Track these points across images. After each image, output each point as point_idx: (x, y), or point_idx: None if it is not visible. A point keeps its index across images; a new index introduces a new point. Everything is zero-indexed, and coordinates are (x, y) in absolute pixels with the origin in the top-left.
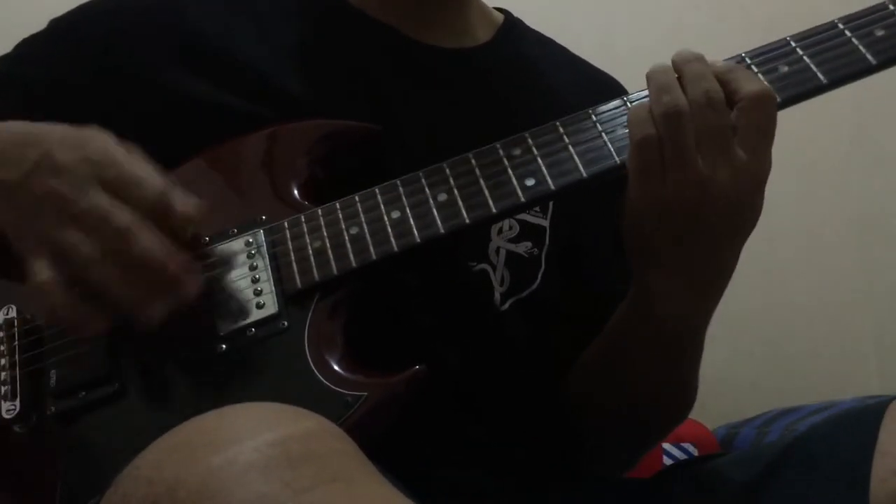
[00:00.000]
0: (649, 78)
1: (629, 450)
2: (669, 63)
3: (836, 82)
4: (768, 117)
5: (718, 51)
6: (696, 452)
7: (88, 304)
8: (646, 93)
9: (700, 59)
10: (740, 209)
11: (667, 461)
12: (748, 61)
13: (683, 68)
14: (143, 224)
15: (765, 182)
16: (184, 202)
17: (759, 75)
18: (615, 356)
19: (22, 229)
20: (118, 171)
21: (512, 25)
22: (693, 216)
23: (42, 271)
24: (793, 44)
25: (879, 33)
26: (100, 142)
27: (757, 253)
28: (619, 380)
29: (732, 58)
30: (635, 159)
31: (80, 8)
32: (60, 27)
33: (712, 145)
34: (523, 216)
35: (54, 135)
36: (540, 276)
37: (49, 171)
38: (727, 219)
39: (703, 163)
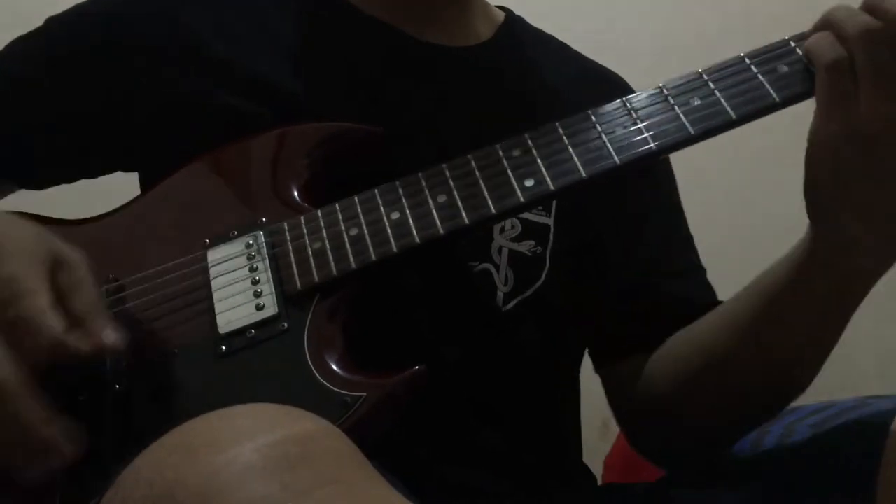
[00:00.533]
0: (832, 12)
1: (742, 423)
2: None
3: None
4: None
5: (719, 51)
6: None
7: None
8: (646, 92)
9: (843, 6)
10: None
11: None
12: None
13: (831, 14)
14: (20, 382)
15: None
16: (100, 335)
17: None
18: (763, 325)
19: None
20: (15, 311)
21: (513, 23)
22: (893, 137)
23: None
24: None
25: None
26: (13, 264)
27: (756, 253)
28: (762, 350)
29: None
30: (826, 86)
31: (78, 7)
32: (57, 25)
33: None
34: (525, 215)
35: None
36: (545, 274)
37: None
38: None
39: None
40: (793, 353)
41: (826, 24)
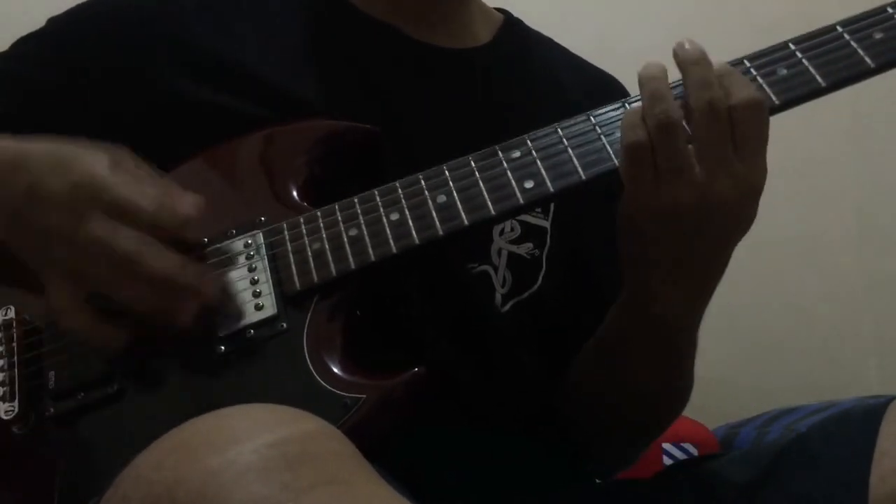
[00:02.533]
0: (642, 83)
1: (627, 446)
2: (661, 64)
3: (834, 85)
4: (761, 125)
5: (719, 51)
6: (696, 452)
7: (108, 320)
8: None
9: (704, 60)
10: (737, 216)
11: (667, 461)
12: (747, 64)
13: (688, 70)
14: (145, 243)
15: (762, 189)
16: (181, 205)
17: (759, 78)
18: (612, 353)
19: (31, 256)
20: (109, 195)
21: (512, 26)
22: (687, 222)
23: (56, 296)
24: (792, 47)
25: (878, 36)
26: (85, 164)
27: (757, 253)
28: (616, 376)
29: (733, 61)
30: (627, 164)
31: (79, 7)
32: (59, 26)
33: (712, 154)
34: (524, 217)
35: (38, 158)
36: (541, 277)
37: (42, 204)
38: (722, 225)
39: (700, 172)
40: (638, 377)
41: (643, 96)
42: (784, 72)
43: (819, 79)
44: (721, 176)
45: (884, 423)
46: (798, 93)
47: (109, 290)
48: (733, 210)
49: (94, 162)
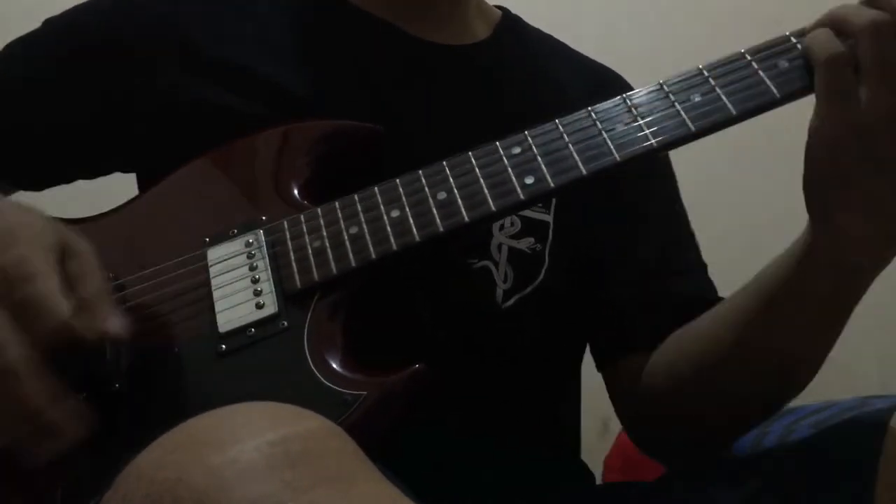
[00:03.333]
0: (835, 9)
1: (745, 420)
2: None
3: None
4: None
5: (718, 51)
6: None
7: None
8: (646, 89)
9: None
10: None
11: None
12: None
13: (836, 13)
14: (28, 363)
15: None
16: (104, 322)
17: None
18: (765, 322)
19: None
20: (23, 292)
21: (511, 22)
22: (890, 142)
23: None
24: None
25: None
26: (24, 247)
27: (756, 253)
28: (764, 346)
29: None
30: (826, 80)
31: (76, 8)
32: (55, 27)
33: None
34: (525, 212)
35: None
36: (543, 271)
37: None
38: None
39: None
40: (793, 351)
41: (828, 20)
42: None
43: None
44: None
45: (888, 432)
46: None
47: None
48: None
49: (39, 245)
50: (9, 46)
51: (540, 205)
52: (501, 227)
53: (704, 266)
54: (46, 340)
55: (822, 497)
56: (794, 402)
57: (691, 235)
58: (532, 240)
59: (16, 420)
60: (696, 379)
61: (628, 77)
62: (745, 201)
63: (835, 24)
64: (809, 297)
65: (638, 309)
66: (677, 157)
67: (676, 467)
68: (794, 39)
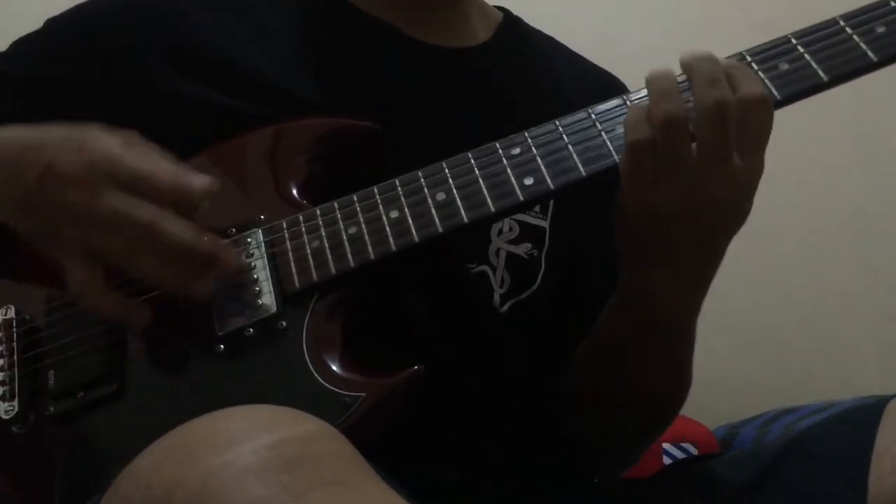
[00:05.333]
0: (650, 82)
1: (628, 447)
2: (669, 68)
3: (837, 79)
4: (766, 122)
5: (719, 50)
6: (696, 452)
7: (128, 300)
8: (646, 92)
9: (712, 59)
10: (734, 212)
11: (667, 461)
12: (748, 59)
13: (694, 67)
14: (163, 214)
15: (757, 185)
16: (196, 179)
17: (761, 73)
18: (609, 353)
19: (48, 238)
20: (125, 169)
21: (512, 24)
22: (685, 219)
23: (77, 275)
24: (794, 41)
25: (880, 30)
26: (100, 142)
27: (757, 252)
28: (614, 376)
29: (733, 56)
30: (628, 161)
31: (78, 8)
32: (57, 27)
33: (713, 153)
34: (523, 217)
35: (53, 140)
36: (540, 277)
37: (57, 184)
38: (719, 221)
39: (700, 171)
40: (637, 374)
41: (651, 92)
42: (786, 66)
43: (821, 73)
44: (720, 175)
45: (882, 421)
46: (800, 87)
47: (126, 262)
48: (730, 207)
49: (109, 141)
50: (12, 46)
51: (537, 210)
52: (500, 233)
53: None
54: (161, 203)
55: (822, 496)
56: (794, 402)
57: None
58: (529, 245)
59: (173, 264)
60: (583, 398)
61: (627, 77)
62: None
63: (648, 105)
64: (633, 331)
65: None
66: None
67: (673, 464)
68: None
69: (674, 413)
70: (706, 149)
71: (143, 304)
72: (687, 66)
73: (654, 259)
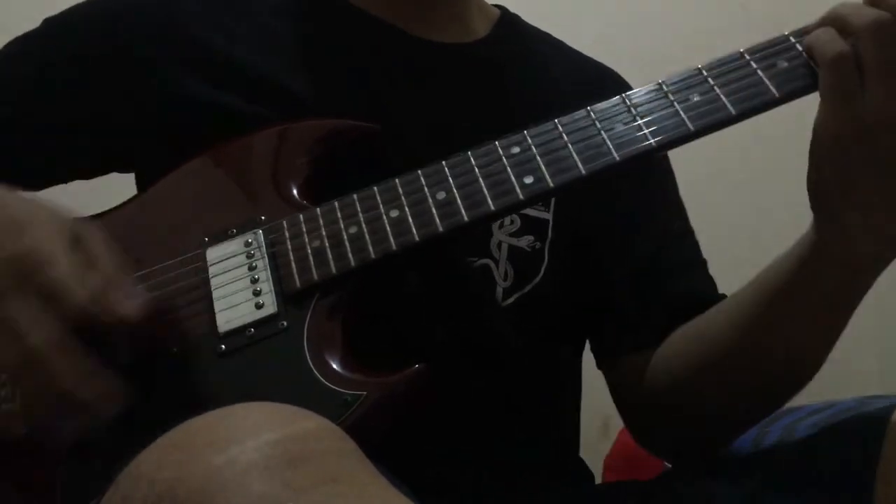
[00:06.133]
0: (837, 7)
1: (747, 418)
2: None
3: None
4: None
5: (718, 50)
6: None
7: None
8: (645, 89)
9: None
10: None
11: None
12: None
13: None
14: (57, 343)
15: None
16: (121, 305)
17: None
18: (769, 320)
19: None
20: (45, 276)
21: (509, 20)
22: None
23: None
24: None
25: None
26: (39, 233)
27: (756, 252)
28: (768, 344)
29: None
30: (831, 80)
31: (76, 7)
32: (55, 26)
33: None
34: (524, 210)
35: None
36: (543, 269)
37: None
38: None
39: None
40: (796, 349)
41: (830, 18)
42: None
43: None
44: None
45: (889, 428)
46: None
47: (9, 377)
48: None
49: (50, 232)
50: (8, 46)
51: (539, 203)
52: (501, 225)
53: (704, 263)
54: (70, 322)
55: (822, 496)
56: (794, 402)
57: (690, 232)
58: (532, 238)
59: (49, 403)
60: (699, 378)
61: (627, 75)
62: (746, 199)
63: (837, 23)
64: (814, 295)
65: (636, 307)
66: (677, 155)
67: (677, 465)
68: (793, 39)
69: (801, 386)
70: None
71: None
72: (830, 15)
73: (865, 194)
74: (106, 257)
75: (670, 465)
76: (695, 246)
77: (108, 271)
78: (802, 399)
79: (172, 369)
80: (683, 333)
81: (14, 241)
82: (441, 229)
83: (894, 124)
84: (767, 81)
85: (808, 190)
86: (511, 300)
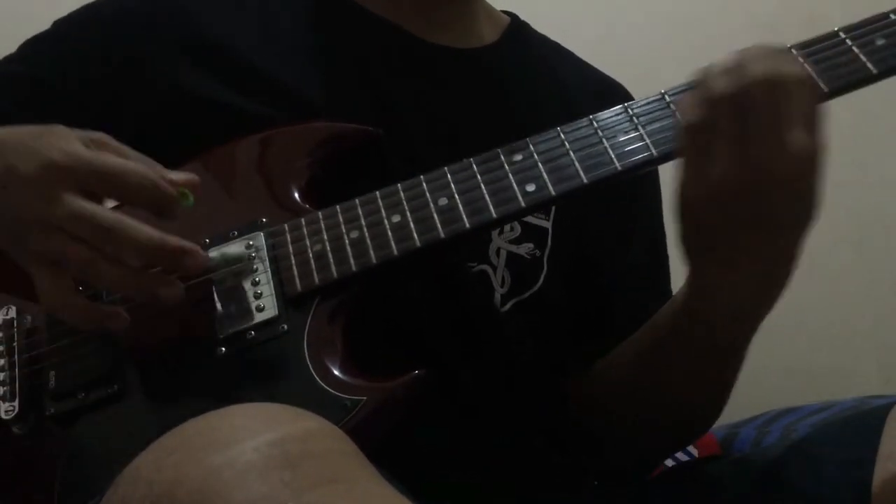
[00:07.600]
0: (705, 70)
1: (653, 450)
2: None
3: (836, 91)
4: (812, 100)
5: (719, 50)
6: (696, 453)
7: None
8: (647, 98)
9: (760, 46)
10: (795, 195)
11: (668, 463)
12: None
13: (743, 53)
14: (123, 216)
15: (817, 167)
16: (176, 174)
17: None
18: (656, 360)
19: (13, 246)
20: (86, 170)
21: (518, 28)
22: (749, 200)
23: (43, 284)
24: (794, 52)
25: (880, 42)
26: (59, 142)
27: None
28: (658, 384)
29: None
30: (685, 144)
31: (85, 8)
32: (65, 28)
33: (770, 126)
34: (525, 217)
35: (13, 142)
36: (542, 277)
37: (17, 187)
38: (783, 205)
39: (758, 145)
40: (682, 391)
41: (698, 82)
42: None
43: (822, 84)
44: (776, 150)
45: (886, 426)
46: None
47: (89, 272)
48: (790, 188)
49: (71, 140)
50: (22, 47)
51: (541, 213)
52: (501, 232)
53: (669, 293)
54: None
55: (822, 496)
56: (794, 403)
57: (667, 258)
58: (531, 245)
59: (136, 275)
60: (608, 402)
61: (627, 80)
62: None
63: (701, 86)
64: (688, 341)
65: (627, 319)
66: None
67: (676, 465)
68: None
69: (709, 425)
70: (764, 122)
71: (118, 309)
72: (732, 58)
73: (721, 253)
74: (131, 151)
75: (670, 466)
76: (665, 276)
77: (142, 159)
78: (802, 399)
79: (173, 371)
80: (609, 360)
81: (40, 155)
82: (443, 235)
83: (740, 191)
84: None
85: (678, 246)
86: (509, 306)
